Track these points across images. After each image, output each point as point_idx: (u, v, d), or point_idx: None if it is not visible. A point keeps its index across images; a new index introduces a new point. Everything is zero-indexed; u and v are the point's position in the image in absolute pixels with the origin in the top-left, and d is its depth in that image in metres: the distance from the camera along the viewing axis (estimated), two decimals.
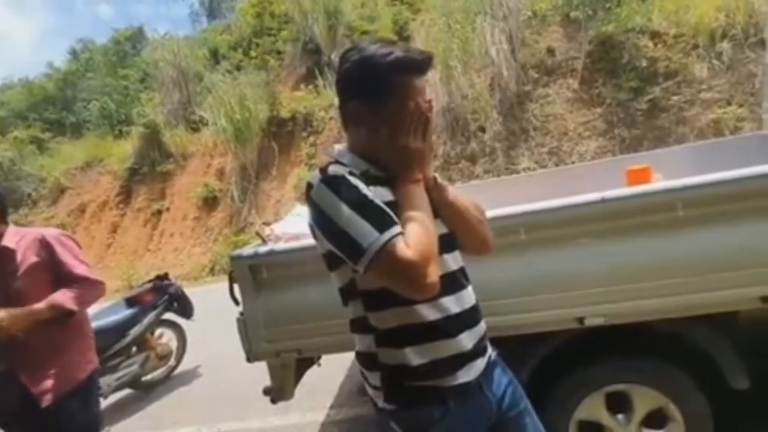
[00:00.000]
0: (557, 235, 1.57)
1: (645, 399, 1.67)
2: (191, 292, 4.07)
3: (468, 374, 0.98)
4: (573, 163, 6.85)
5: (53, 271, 1.63)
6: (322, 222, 0.90)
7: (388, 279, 0.87)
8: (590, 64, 7.51)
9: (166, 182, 10.62)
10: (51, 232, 1.71)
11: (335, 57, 9.90)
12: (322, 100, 9.42)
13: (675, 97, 6.80)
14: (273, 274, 1.77)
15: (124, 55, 15.51)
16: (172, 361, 3.90)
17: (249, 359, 1.83)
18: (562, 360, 1.70)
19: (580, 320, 1.55)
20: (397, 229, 0.86)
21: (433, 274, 0.85)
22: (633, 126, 6.95)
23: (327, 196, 0.89)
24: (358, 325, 1.00)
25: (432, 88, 8.38)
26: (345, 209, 0.87)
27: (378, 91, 0.93)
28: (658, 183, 1.80)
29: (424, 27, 9.08)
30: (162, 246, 9.84)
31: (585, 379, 1.72)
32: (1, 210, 1.65)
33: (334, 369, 2.99)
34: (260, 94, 9.79)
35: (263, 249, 1.81)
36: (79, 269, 1.66)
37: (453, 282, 0.98)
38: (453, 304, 0.96)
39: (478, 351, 1.00)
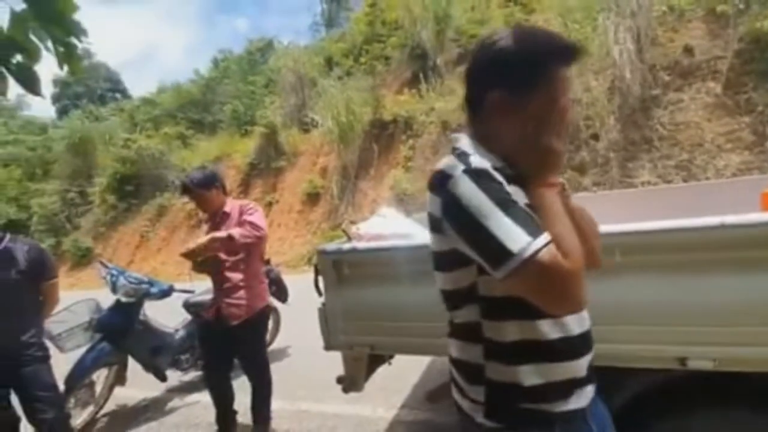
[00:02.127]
0: (662, 260, 1.36)
1: None
2: (289, 278, 4.40)
3: (579, 401, 0.90)
4: (707, 179, 5.90)
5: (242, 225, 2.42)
6: (462, 217, 0.81)
7: (535, 288, 0.78)
8: (738, 65, 6.40)
9: (278, 177, 11.68)
10: (245, 203, 2.56)
11: (441, 61, 9.93)
12: (424, 104, 9.51)
13: None
14: (353, 270, 1.84)
15: (254, 64, 17.47)
16: (268, 339, 4.27)
17: (326, 347, 1.93)
18: (655, 402, 1.48)
19: (682, 361, 1.33)
20: (548, 236, 0.78)
21: (583, 287, 0.78)
22: None
23: (471, 190, 0.80)
24: (466, 332, 0.92)
25: None
26: (492, 207, 0.79)
27: (531, 79, 0.84)
28: None
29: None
30: (270, 235, 10.84)
31: (679, 428, 1.46)
32: (222, 186, 2.57)
33: (407, 370, 2.99)
34: (365, 98, 10.24)
35: (346, 246, 1.88)
36: (250, 217, 2.44)
37: None
38: (575, 325, 0.89)
39: (590, 377, 0.93)
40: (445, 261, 0.91)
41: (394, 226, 2.04)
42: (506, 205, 0.79)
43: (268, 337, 4.28)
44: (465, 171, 0.82)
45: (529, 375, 0.87)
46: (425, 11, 10.21)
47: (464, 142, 0.91)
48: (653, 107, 6.98)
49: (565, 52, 0.86)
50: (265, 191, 11.71)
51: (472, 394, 0.93)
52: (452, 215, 0.83)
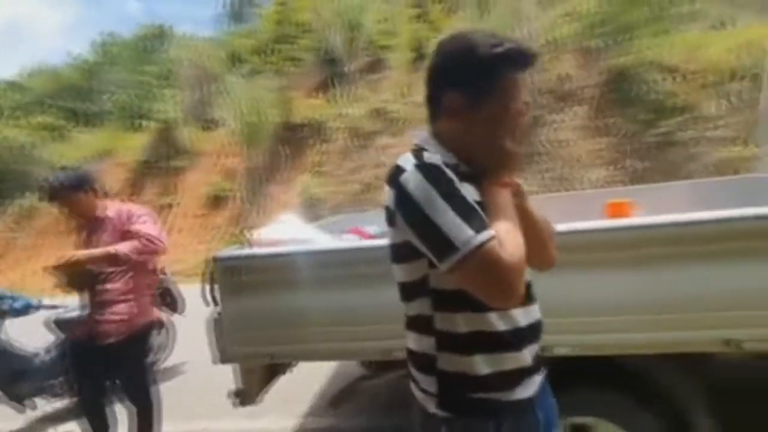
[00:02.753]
0: None
1: None
2: (188, 288, 4.10)
3: (526, 390, 0.94)
4: (583, 189, 6.83)
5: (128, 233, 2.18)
6: (411, 210, 0.84)
7: (476, 282, 0.81)
8: (604, 93, 7.53)
9: (177, 177, 10.79)
10: (133, 208, 2.32)
11: (352, 68, 10.08)
12: (335, 110, 9.56)
13: (685, 133, 6.77)
14: (251, 277, 1.79)
15: (147, 51, 15.90)
16: (159, 356, 3.92)
17: (222, 360, 1.84)
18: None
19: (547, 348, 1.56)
20: (492, 231, 0.81)
21: (522, 283, 0.83)
22: (644, 158, 6.92)
23: (421, 184, 0.83)
24: (419, 324, 0.94)
25: None
26: (439, 201, 0.82)
27: (484, 83, 0.87)
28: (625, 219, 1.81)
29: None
30: (167, 240, 9.97)
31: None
32: (95, 188, 2.29)
33: (310, 377, 2.99)
34: (275, 99, 9.97)
35: (244, 252, 1.84)
36: (144, 227, 2.19)
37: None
38: (522, 317, 0.93)
39: (537, 367, 0.98)
40: (399, 253, 0.93)
41: (293, 232, 2.05)
42: (454, 199, 0.82)
43: (159, 354, 3.96)
44: (416, 165, 0.85)
45: (480, 365, 0.90)
46: (336, 17, 10.29)
47: (423, 139, 0.96)
48: (538, 126, 7.88)
49: (521, 57, 0.89)
50: (161, 193, 10.73)
51: (425, 384, 0.95)
52: (403, 208, 0.86)
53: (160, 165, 10.98)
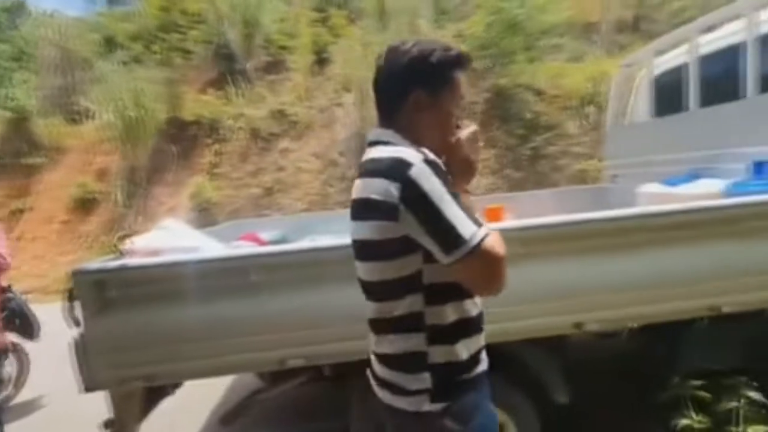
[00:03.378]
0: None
1: None
2: (46, 308, 3.50)
3: (484, 364, 1.05)
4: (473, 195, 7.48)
5: None
6: (423, 204, 0.86)
7: (476, 273, 0.88)
8: (488, 110, 8.38)
9: (32, 178, 9.14)
10: None
11: (250, 66, 9.65)
12: (232, 108, 9.04)
13: (552, 148, 7.89)
14: (123, 291, 1.61)
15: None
16: (9, 390, 3.32)
17: (87, 388, 1.61)
18: None
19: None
20: (487, 227, 0.89)
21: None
22: (520, 168, 7.87)
23: (431, 179, 0.87)
24: (406, 324, 0.95)
25: (346, 111, 8.61)
26: (447, 196, 0.87)
27: (442, 82, 0.98)
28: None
29: (343, 53, 9.32)
30: (19, 252, 8.37)
31: None
32: None
33: (197, 398, 2.78)
34: (160, 92, 9.07)
35: (113, 263, 1.65)
36: None
37: None
38: (479, 302, 1.03)
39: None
40: (389, 249, 0.91)
41: (176, 239, 1.88)
42: (455, 196, 0.89)
43: (10, 388, 3.34)
44: (425, 161, 0.89)
45: (462, 349, 0.97)
46: (232, 11, 9.76)
47: (391, 135, 0.99)
48: None
49: (464, 60, 1.02)
50: (12, 195, 9.00)
51: (416, 384, 0.95)
52: (412, 201, 0.86)
53: (11, 162, 9.19)
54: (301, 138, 8.77)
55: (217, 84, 9.68)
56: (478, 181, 7.87)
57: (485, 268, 0.88)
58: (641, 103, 3.74)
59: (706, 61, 2.97)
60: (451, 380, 0.97)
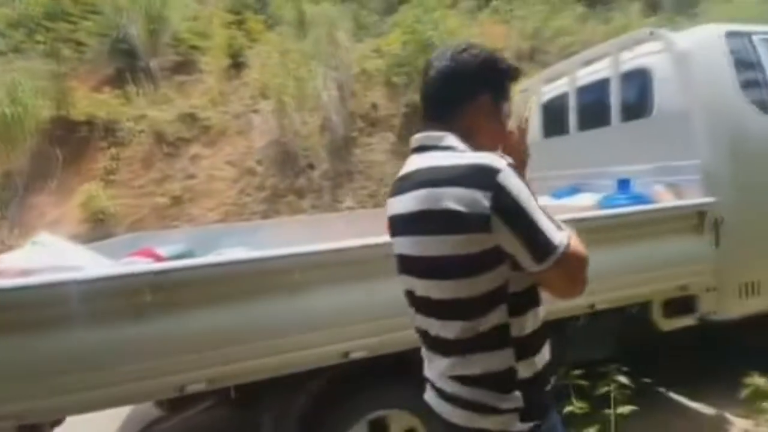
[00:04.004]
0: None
1: (400, 422, 1.93)
2: None
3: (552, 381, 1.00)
4: None
5: None
6: (517, 211, 0.82)
7: (564, 277, 0.86)
8: (406, 124, 8.73)
9: None
10: None
11: (154, 65, 8.90)
12: (133, 109, 8.24)
13: None
14: None
15: None
16: None
17: None
18: (329, 396, 1.85)
19: (345, 354, 1.73)
20: (567, 230, 0.88)
21: None
22: None
23: (520, 185, 0.84)
24: (493, 339, 0.88)
25: (264, 118, 8.35)
26: (533, 202, 0.84)
27: (504, 88, 1.02)
28: None
29: (260, 58, 9.04)
30: None
31: (348, 410, 1.90)
32: None
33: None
34: (44, 87, 7.96)
35: None
36: None
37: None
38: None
39: None
40: (477, 263, 0.85)
41: (52, 256, 1.70)
42: (536, 200, 0.86)
43: None
44: (509, 165, 0.85)
45: (540, 360, 0.93)
46: (132, 3, 8.95)
47: (452, 139, 0.95)
48: (353, 146, 8.55)
49: (516, 73, 1.06)
50: None
51: (507, 404, 0.89)
52: (507, 209, 0.82)
53: None
54: (214, 144, 8.30)
55: (114, 82, 8.76)
56: None
57: (572, 271, 0.86)
58: (533, 125, 4.26)
59: (583, 91, 3.48)
60: (538, 397, 0.92)
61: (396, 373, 1.84)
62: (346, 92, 8.71)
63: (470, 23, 9.80)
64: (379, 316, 1.73)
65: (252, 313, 1.61)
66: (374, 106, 8.93)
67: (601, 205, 2.72)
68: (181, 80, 8.99)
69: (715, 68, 2.73)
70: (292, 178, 8.10)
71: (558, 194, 3.27)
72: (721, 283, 2.51)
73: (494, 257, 0.86)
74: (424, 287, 0.94)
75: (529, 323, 0.92)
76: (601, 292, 2.18)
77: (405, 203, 0.95)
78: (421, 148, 0.99)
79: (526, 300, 0.91)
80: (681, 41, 2.77)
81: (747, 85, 2.77)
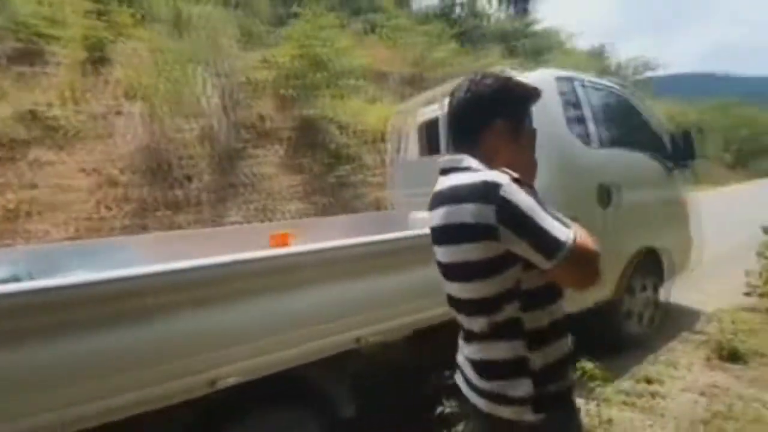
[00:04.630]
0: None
1: None
2: None
3: (572, 375, 1.09)
4: (279, 220, 7.36)
5: None
6: (521, 219, 0.93)
7: (575, 270, 0.94)
8: (297, 137, 8.55)
9: None
10: None
11: None
12: None
13: (355, 177, 8.59)
14: None
15: None
16: None
17: None
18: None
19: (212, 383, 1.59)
20: (573, 227, 0.97)
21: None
22: (327, 194, 8.24)
23: (520, 195, 0.94)
24: (505, 331, 0.99)
25: (130, 121, 7.38)
26: (537, 207, 0.94)
27: (522, 113, 1.11)
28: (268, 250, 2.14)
29: (126, 55, 8.03)
30: None
31: None
32: None
33: None
34: None
35: None
36: None
37: None
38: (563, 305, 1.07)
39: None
40: (490, 267, 0.97)
41: None
42: (542, 206, 0.96)
43: None
44: (512, 180, 0.96)
45: (555, 352, 1.01)
46: None
47: (472, 161, 1.06)
48: (238, 158, 8.04)
49: (535, 94, 1.13)
50: None
51: (518, 392, 0.98)
52: (511, 218, 0.93)
53: None
54: (63, 149, 7.03)
55: None
56: (291, 206, 7.86)
57: (582, 264, 0.96)
58: (412, 144, 4.54)
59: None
60: (550, 388, 1.01)
61: (272, 401, 1.78)
62: (231, 101, 8.20)
63: (360, 45, 10.13)
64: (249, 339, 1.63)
65: (88, 346, 1.33)
66: (262, 118, 8.58)
67: None
68: (20, 71, 7.48)
69: (549, 106, 3.11)
70: (164, 189, 7.25)
71: None
72: None
73: (506, 261, 0.98)
74: (453, 289, 1.09)
75: (543, 317, 1.02)
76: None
77: (435, 218, 1.09)
78: (446, 170, 1.12)
79: (540, 296, 1.01)
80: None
81: (572, 121, 3.24)
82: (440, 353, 2.46)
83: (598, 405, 2.29)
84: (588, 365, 2.25)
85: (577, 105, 3.35)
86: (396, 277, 2.05)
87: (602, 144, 3.33)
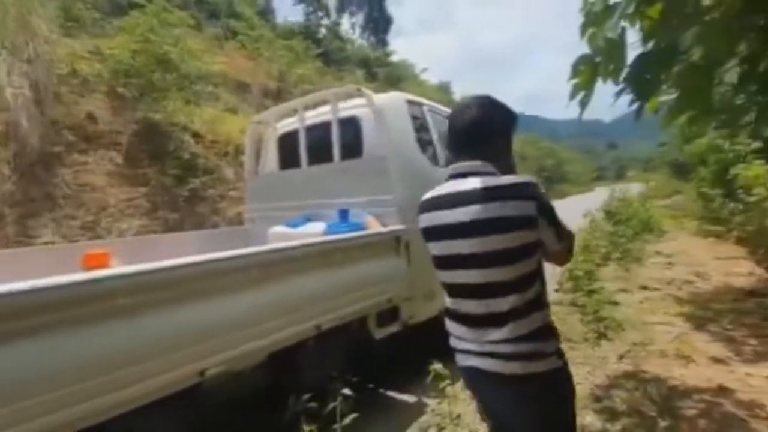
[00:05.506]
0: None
1: None
2: None
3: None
4: (112, 238, 6.24)
5: None
6: (551, 212, 1.23)
7: (569, 250, 1.34)
8: (136, 143, 7.45)
9: None
10: None
11: None
12: None
13: (211, 191, 7.87)
14: None
15: None
16: None
17: None
18: None
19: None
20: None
21: None
22: (176, 210, 7.33)
23: (544, 191, 1.25)
24: (536, 303, 1.25)
25: None
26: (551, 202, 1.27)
27: (513, 129, 1.41)
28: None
29: None
30: None
31: None
32: None
33: None
34: None
35: None
36: None
37: None
38: None
39: None
40: (527, 251, 1.21)
41: None
42: None
43: None
44: (536, 179, 1.24)
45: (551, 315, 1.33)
46: None
47: (482, 166, 1.30)
48: (56, 164, 6.62)
49: (516, 118, 1.42)
50: None
51: (550, 348, 1.25)
52: (547, 211, 1.22)
53: None
54: None
55: None
56: (129, 223, 6.73)
57: (572, 246, 1.36)
58: (270, 157, 4.41)
59: (311, 129, 3.84)
60: (560, 341, 1.31)
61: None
62: (46, 94, 6.74)
63: (217, 50, 9.47)
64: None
65: None
66: (93, 118, 7.25)
67: (327, 232, 3.00)
68: None
69: (402, 125, 3.34)
70: None
71: (294, 223, 3.45)
72: (413, 293, 3.04)
73: (536, 246, 1.24)
74: (484, 275, 1.23)
75: (544, 287, 1.31)
76: (327, 312, 2.34)
77: (457, 215, 1.24)
78: (464, 174, 1.30)
79: (543, 275, 1.30)
80: (378, 100, 3.31)
81: (420, 141, 3.48)
82: (300, 375, 2.33)
83: (449, 403, 2.43)
84: (438, 367, 2.37)
85: (425, 128, 3.64)
86: (246, 296, 1.88)
87: (447, 164, 3.65)
